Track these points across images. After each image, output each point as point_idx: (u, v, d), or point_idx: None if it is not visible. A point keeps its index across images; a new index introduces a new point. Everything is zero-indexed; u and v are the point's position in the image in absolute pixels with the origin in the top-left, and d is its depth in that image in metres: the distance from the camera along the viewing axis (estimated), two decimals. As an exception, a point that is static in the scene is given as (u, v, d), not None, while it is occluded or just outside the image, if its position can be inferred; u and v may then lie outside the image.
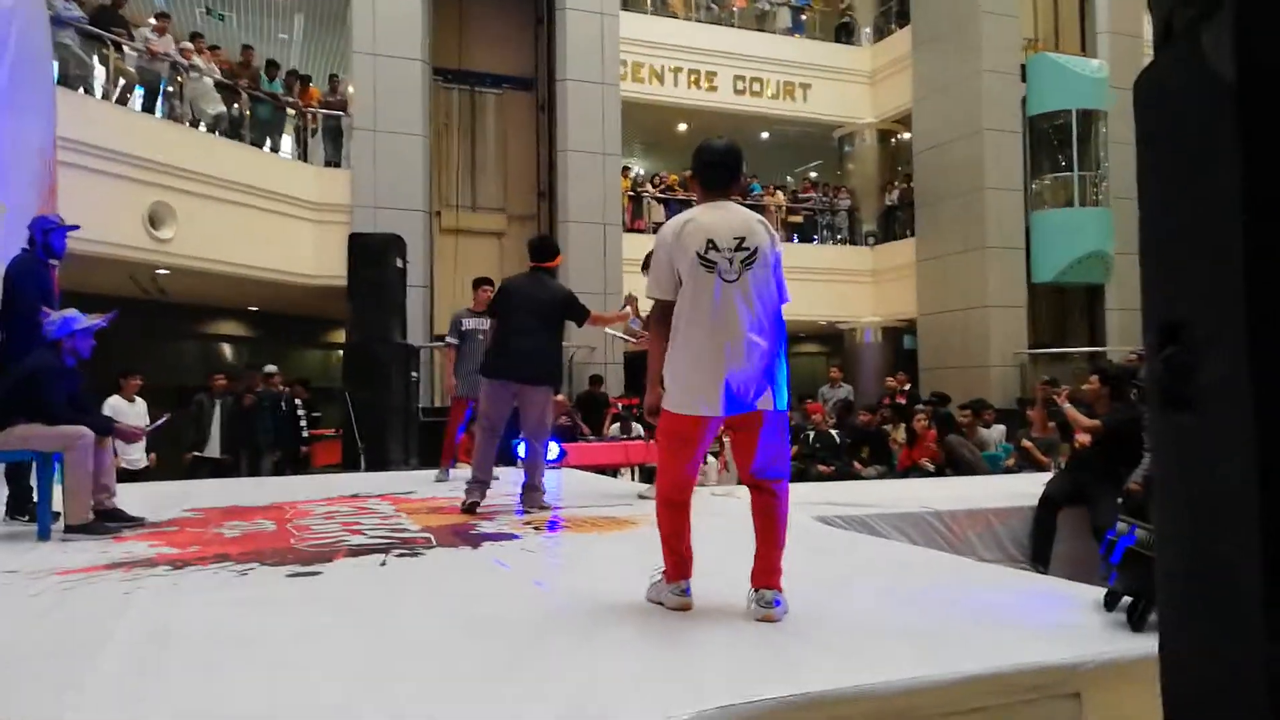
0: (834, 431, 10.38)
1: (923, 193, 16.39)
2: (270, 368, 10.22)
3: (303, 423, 9.94)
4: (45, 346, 4.63)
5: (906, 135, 17.77)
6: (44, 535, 4.38)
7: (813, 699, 2.00)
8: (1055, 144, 15.29)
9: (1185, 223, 0.95)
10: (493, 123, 15.38)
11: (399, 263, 10.06)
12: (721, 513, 4.68)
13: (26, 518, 4.88)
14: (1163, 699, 1.02)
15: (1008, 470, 9.05)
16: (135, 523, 4.67)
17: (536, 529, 4.72)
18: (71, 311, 4.73)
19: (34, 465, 4.69)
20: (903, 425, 10.02)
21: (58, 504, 4.49)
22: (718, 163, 2.98)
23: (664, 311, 2.89)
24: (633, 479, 8.61)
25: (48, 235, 5.04)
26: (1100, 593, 2.81)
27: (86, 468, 4.40)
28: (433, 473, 7.34)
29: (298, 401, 9.97)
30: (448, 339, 7.12)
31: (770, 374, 2.79)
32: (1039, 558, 5.54)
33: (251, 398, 9.51)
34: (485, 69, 15.16)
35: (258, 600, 3.09)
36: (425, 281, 13.04)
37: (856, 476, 9.27)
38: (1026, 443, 8.69)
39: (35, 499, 4.72)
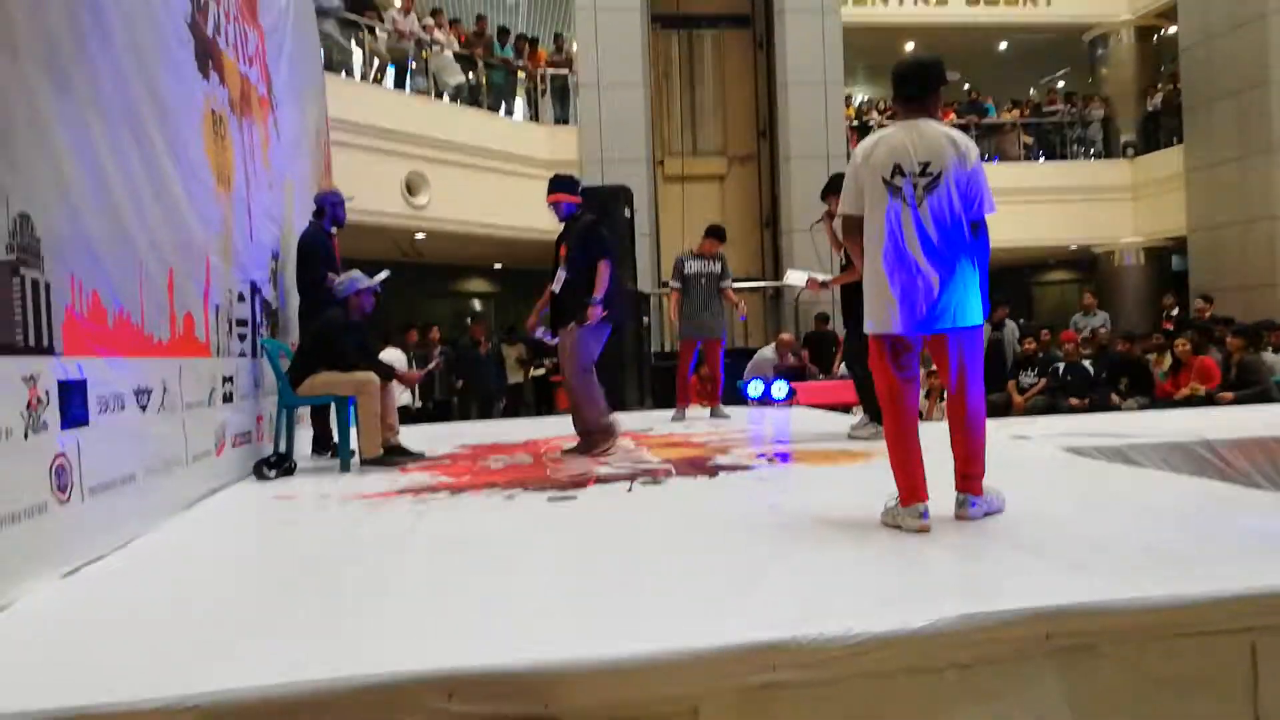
0: (1087, 362, 9.67)
1: (1192, 94, 14.57)
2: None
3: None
4: (335, 305, 5.32)
5: (1171, 30, 15.82)
6: (345, 468, 5.09)
7: (1056, 611, 1.99)
8: (1360, 21, 13.04)
9: None
10: (710, 64, 15.35)
11: (627, 213, 10.42)
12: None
13: (329, 454, 5.67)
14: None
15: (1298, 398, 8.05)
16: (417, 457, 5.30)
17: (770, 460, 4.87)
18: (355, 273, 5.38)
19: (333, 408, 5.43)
20: (1165, 358, 9.16)
21: (353, 441, 5.18)
22: (906, 77, 3.03)
23: (856, 225, 3.05)
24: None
25: (335, 208, 5.76)
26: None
27: (376, 409, 5.04)
28: (669, 413, 7.67)
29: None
30: (671, 283, 7.36)
31: (955, 294, 2.87)
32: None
33: (487, 345, 10.11)
34: (703, 10, 15.11)
35: (525, 519, 3.48)
36: (651, 230, 13.41)
37: (1114, 409, 8.62)
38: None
39: (335, 437, 5.47)
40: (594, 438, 5.19)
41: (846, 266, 5.33)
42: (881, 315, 2.94)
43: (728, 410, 7.54)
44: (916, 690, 1.94)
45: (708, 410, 7.54)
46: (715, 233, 7.34)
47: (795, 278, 6.24)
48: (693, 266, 7.22)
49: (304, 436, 5.86)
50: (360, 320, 5.39)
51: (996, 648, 1.97)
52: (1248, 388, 8.12)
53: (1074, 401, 8.97)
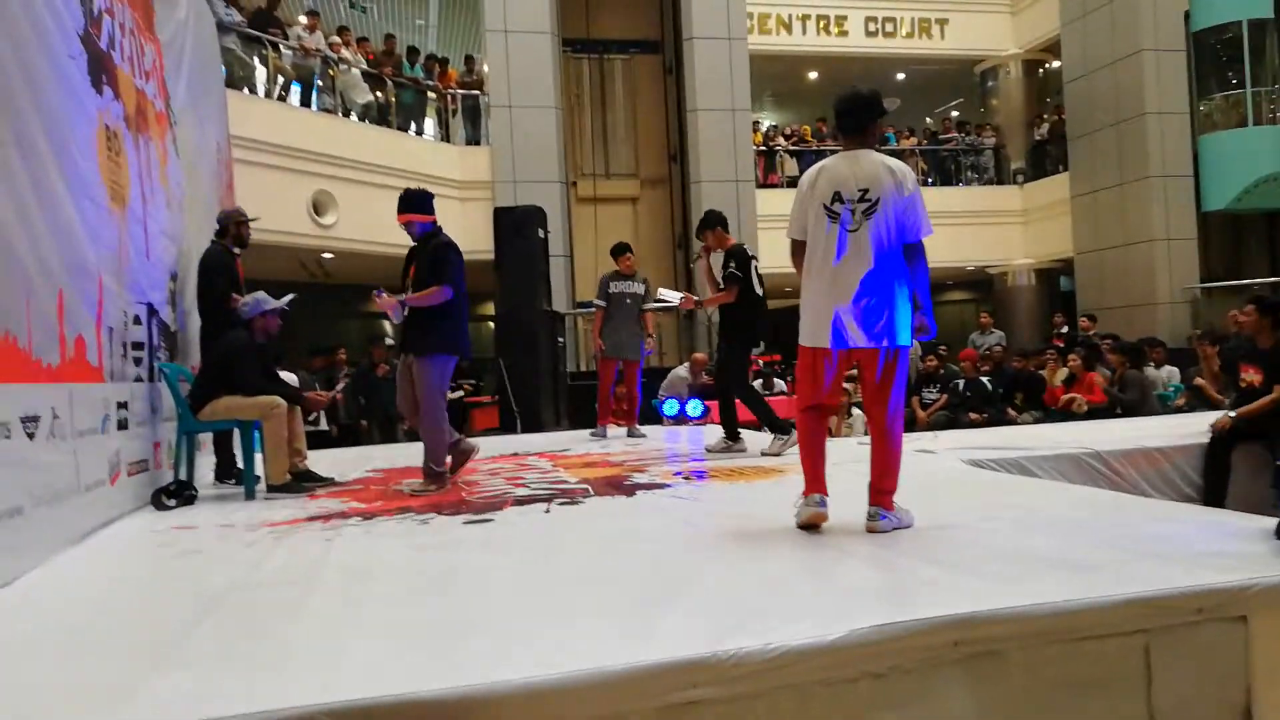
0: (985, 379, 10.07)
1: (1075, 124, 15.45)
2: (389, 340, 10.76)
3: None
4: (239, 327, 5.14)
5: (1055, 64, 16.76)
6: (250, 495, 4.90)
7: (962, 619, 2.07)
8: (1224, 60, 14.06)
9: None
10: (621, 89, 15.52)
11: (541, 233, 10.42)
12: (863, 458, 4.70)
13: (233, 481, 5.46)
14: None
15: (1178, 410, 8.56)
16: (326, 482, 5.15)
17: (687, 479, 4.90)
18: (261, 294, 5.22)
19: (236, 433, 5.23)
20: (1060, 369, 9.62)
21: (258, 468, 5.00)
22: (845, 111, 3.26)
23: (800, 248, 3.28)
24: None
25: (238, 227, 5.57)
26: (1272, 523, 2.72)
27: (283, 433, 4.89)
28: (585, 432, 7.66)
29: None
30: (595, 301, 7.38)
31: (885, 314, 3.09)
32: (1213, 498, 5.28)
33: (386, 368, 9.80)
34: (612, 35, 15.28)
35: (441, 544, 3.41)
36: (565, 250, 13.42)
37: (1010, 424, 8.99)
38: (1200, 380, 8.18)
39: (239, 464, 5.27)
40: (427, 478, 4.79)
41: (723, 290, 5.72)
42: (815, 330, 3.18)
43: (644, 430, 7.59)
44: (834, 701, 1.98)
45: (625, 430, 7.56)
46: (622, 248, 7.40)
47: (669, 295, 6.51)
48: (617, 286, 7.26)
49: (205, 464, 5.63)
50: (265, 342, 5.22)
51: (909, 656, 2.03)
52: (1130, 401, 8.59)
53: (973, 416, 9.33)
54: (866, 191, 3.09)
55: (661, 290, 6.81)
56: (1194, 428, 5.74)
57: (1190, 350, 11.22)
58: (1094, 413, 8.55)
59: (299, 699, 1.74)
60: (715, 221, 6.02)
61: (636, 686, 1.85)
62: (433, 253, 4.83)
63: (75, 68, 4.04)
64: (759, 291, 5.76)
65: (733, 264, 5.70)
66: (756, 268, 5.81)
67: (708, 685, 1.88)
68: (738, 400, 5.89)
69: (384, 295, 4.86)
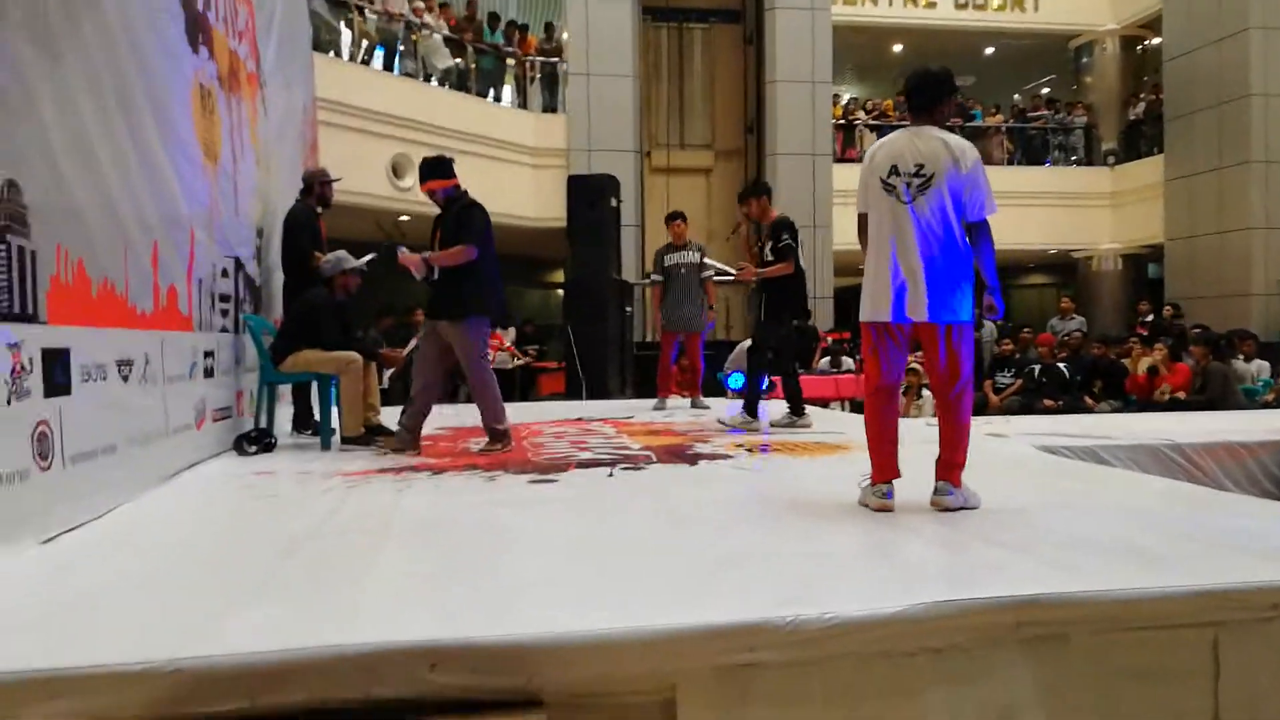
0: (1062, 365, 9.80)
1: (1173, 104, 14.76)
2: None
3: None
4: (320, 284, 5.30)
5: (1155, 41, 16.01)
6: (326, 446, 5.08)
7: (1026, 600, 2.05)
8: (1339, 38, 13.26)
9: None
10: (700, 59, 15.36)
11: (614, 202, 10.44)
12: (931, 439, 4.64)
13: (309, 431, 5.65)
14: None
15: (1266, 405, 8.21)
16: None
17: (750, 451, 4.91)
18: (341, 253, 5.37)
19: (314, 386, 5.40)
20: (1145, 357, 9.31)
21: (334, 420, 5.17)
22: (915, 89, 3.25)
23: (864, 222, 3.30)
24: (843, 410, 8.61)
25: (323, 187, 5.72)
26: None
27: (359, 388, 5.04)
28: (649, 402, 7.70)
29: None
30: (653, 276, 7.38)
31: (944, 290, 3.06)
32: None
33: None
34: (693, 4, 15.11)
35: (506, 500, 3.49)
36: (637, 221, 13.42)
37: (1088, 411, 8.74)
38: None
39: (316, 415, 5.46)
40: (492, 438, 4.84)
41: (771, 264, 5.74)
42: (876, 304, 3.16)
43: (708, 401, 7.59)
44: (890, 673, 1.98)
45: (688, 400, 7.58)
46: (672, 216, 7.37)
47: (723, 266, 6.61)
48: (671, 258, 7.24)
49: (284, 414, 5.84)
50: (345, 300, 5.37)
51: (968, 634, 2.02)
52: (1211, 393, 8.27)
53: (1048, 403, 9.09)
54: (922, 167, 3.08)
55: (708, 261, 6.82)
56: (1283, 424, 5.52)
57: (1284, 345, 10.76)
58: (1178, 404, 8.26)
59: (371, 637, 1.81)
60: (763, 190, 6.05)
61: (694, 644, 1.89)
62: (457, 215, 4.82)
63: (173, 27, 4.19)
64: (802, 265, 5.83)
65: (786, 236, 5.72)
66: (802, 241, 5.90)
67: (764, 649, 1.91)
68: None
69: (404, 251, 4.84)
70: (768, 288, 5.84)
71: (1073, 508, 3.19)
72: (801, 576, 2.30)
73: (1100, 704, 2.07)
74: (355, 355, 5.07)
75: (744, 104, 15.13)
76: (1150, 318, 12.16)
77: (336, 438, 5.11)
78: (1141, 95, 16.54)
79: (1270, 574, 2.20)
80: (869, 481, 3.19)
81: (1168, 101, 14.95)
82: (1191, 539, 2.63)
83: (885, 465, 3.16)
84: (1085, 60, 17.51)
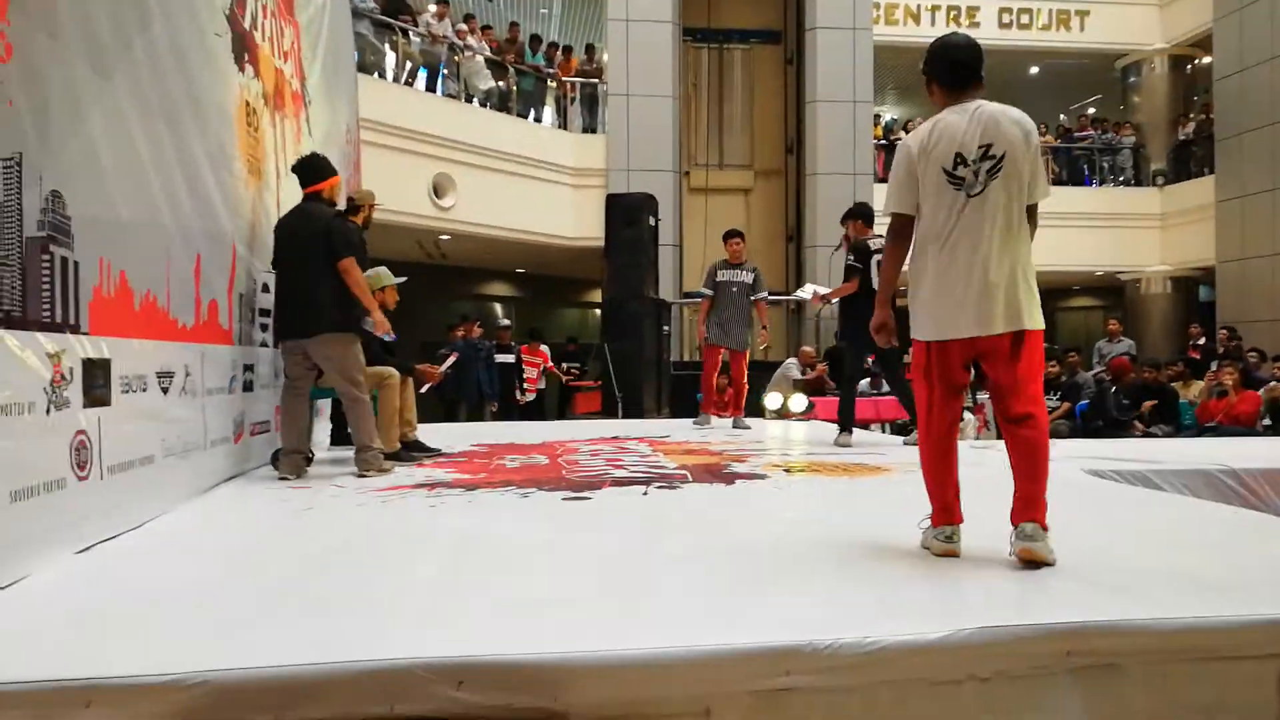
0: (1112, 388, 9.55)
1: (1224, 124, 14.45)
2: (504, 321, 10.98)
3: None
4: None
5: (1205, 60, 15.71)
6: (362, 461, 5.08)
7: (1077, 628, 1.96)
8: (1399, 56, 12.90)
9: None
10: (740, 79, 15.39)
11: (652, 221, 10.44)
12: (980, 463, 4.53)
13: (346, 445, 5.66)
14: None
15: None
16: (433, 453, 5.30)
17: (788, 471, 4.83)
18: (382, 269, 5.39)
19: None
20: (1196, 383, 9.05)
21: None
22: (965, 61, 2.73)
23: (904, 227, 2.74)
24: (883, 432, 8.47)
25: (370, 210, 5.74)
26: None
27: (395, 404, 5.05)
28: (686, 421, 7.63)
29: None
30: (702, 288, 7.35)
31: (1016, 293, 2.58)
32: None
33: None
34: (734, 25, 15.16)
35: (539, 517, 3.46)
36: (675, 240, 13.43)
37: (1136, 435, 8.51)
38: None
39: (354, 431, 5.47)
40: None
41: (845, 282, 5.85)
42: (935, 319, 2.67)
43: (749, 421, 7.50)
44: (933, 702, 1.90)
45: (729, 420, 7.49)
46: (731, 234, 7.35)
47: (805, 292, 6.60)
48: (724, 275, 7.20)
49: (322, 429, 5.87)
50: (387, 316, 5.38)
51: (1017, 662, 1.93)
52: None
53: (1097, 425, 8.87)
54: (990, 147, 2.59)
55: (805, 286, 6.89)
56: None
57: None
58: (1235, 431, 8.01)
59: (399, 652, 1.78)
60: (858, 214, 6.12)
61: (728, 667, 1.82)
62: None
63: (220, 45, 4.26)
64: (874, 286, 5.66)
65: (851, 256, 5.72)
66: (878, 263, 5.72)
67: (802, 674, 1.84)
68: (860, 398, 6.00)
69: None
70: (842, 307, 6.07)
71: (1122, 533, 3.06)
72: (842, 598, 2.23)
73: (1157, 739, 1.97)
74: (393, 370, 5.09)
75: (784, 124, 15.12)
76: (1202, 340, 11.84)
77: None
78: (1191, 115, 16.23)
79: (1340, 606, 2.08)
80: (929, 523, 2.79)
81: (1219, 121, 14.65)
82: (1252, 567, 2.51)
83: (947, 506, 2.73)
84: (1133, 80, 17.24)
